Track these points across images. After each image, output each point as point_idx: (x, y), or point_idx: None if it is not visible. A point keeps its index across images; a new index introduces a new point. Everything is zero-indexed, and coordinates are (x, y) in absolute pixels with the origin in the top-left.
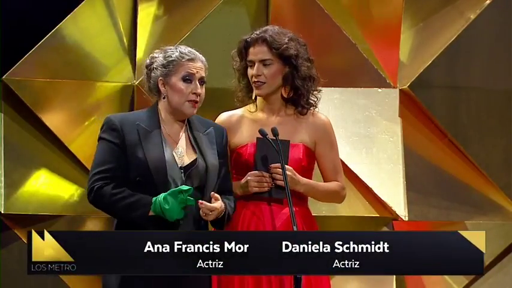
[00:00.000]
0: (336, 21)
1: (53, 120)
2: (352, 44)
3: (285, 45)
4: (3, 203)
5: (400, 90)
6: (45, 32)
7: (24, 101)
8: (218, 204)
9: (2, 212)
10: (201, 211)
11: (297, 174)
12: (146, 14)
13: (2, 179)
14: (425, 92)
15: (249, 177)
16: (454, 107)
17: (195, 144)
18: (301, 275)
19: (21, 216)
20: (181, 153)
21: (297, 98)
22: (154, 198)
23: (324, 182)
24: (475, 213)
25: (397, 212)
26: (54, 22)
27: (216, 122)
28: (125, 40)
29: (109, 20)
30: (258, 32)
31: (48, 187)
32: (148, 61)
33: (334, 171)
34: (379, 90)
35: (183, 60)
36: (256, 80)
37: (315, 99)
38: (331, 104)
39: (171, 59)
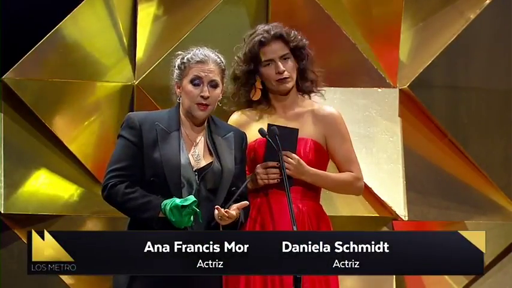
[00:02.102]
0: (336, 21)
1: (53, 120)
2: (352, 44)
3: (298, 37)
4: (3, 203)
5: (400, 90)
6: (45, 32)
7: (24, 101)
8: (236, 212)
9: (2, 212)
10: (216, 214)
11: (303, 163)
12: (146, 14)
13: (2, 179)
14: (425, 92)
15: (257, 170)
16: (454, 107)
17: (212, 147)
18: (301, 275)
19: (21, 216)
20: (198, 156)
21: (310, 86)
22: (163, 205)
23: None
24: (475, 213)
25: (397, 212)
26: (54, 22)
27: (229, 120)
28: (124, 40)
29: (109, 20)
30: (266, 31)
31: (48, 187)
32: (173, 62)
33: (348, 162)
34: (379, 90)
35: (192, 62)
36: (282, 77)
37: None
38: (331, 104)
39: (183, 61)
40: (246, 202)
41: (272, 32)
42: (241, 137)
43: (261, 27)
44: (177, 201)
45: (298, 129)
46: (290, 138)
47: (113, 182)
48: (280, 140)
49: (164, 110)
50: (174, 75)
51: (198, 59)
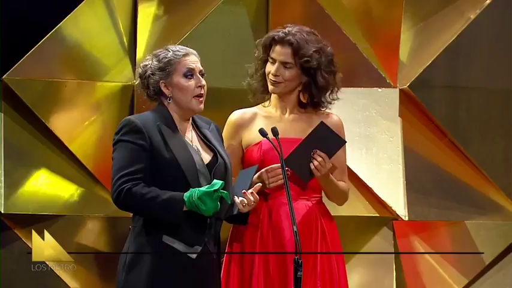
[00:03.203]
0: (336, 21)
1: (53, 120)
2: (352, 44)
3: (307, 58)
4: (3, 203)
5: (400, 90)
6: (45, 32)
7: (24, 101)
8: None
9: (2, 212)
10: (240, 201)
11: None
12: (146, 14)
13: (2, 179)
14: (425, 92)
15: (262, 176)
16: (454, 107)
17: (207, 141)
18: (301, 275)
19: (21, 216)
20: (199, 152)
21: (314, 103)
22: (186, 197)
23: None
24: (475, 213)
25: (397, 212)
26: (54, 22)
27: (229, 119)
28: (125, 40)
29: (109, 20)
30: (287, 32)
31: (48, 187)
32: (140, 70)
33: (342, 171)
34: (379, 90)
35: (179, 57)
36: (273, 78)
37: (331, 101)
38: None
39: (166, 59)
40: (260, 184)
41: (287, 37)
42: (218, 127)
43: (290, 26)
44: (203, 188)
45: (346, 142)
46: (334, 145)
47: (128, 186)
48: (326, 141)
49: (151, 111)
50: (156, 78)
51: (183, 53)
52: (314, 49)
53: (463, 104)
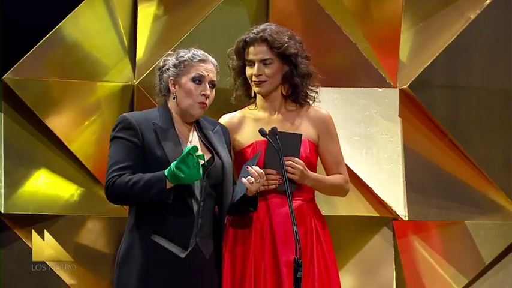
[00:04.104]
0: (336, 21)
1: (53, 120)
2: (352, 44)
3: (285, 45)
4: (3, 203)
5: (400, 90)
6: (45, 32)
7: (24, 101)
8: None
9: (2, 212)
10: (247, 179)
11: (307, 168)
12: (146, 14)
13: (2, 179)
14: (425, 92)
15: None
16: (454, 107)
17: (207, 142)
18: (301, 275)
19: (21, 216)
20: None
21: (296, 95)
22: (167, 172)
23: (327, 175)
24: (475, 213)
25: (397, 212)
26: (54, 22)
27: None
28: (125, 40)
29: (109, 20)
30: (256, 32)
31: (48, 187)
32: (161, 63)
33: (337, 164)
34: (379, 90)
35: (194, 61)
36: (257, 79)
37: (314, 94)
38: (331, 104)
39: (182, 59)
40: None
41: (259, 35)
42: (226, 131)
43: (259, 26)
44: (178, 159)
45: (301, 134)
46: (294, 143)
47: (114, 179)
48: (284, 145)
49: (153, 109)
50: (169, 74)
51: (200, 58)
52: (287, 37)
53: (463, 104)
